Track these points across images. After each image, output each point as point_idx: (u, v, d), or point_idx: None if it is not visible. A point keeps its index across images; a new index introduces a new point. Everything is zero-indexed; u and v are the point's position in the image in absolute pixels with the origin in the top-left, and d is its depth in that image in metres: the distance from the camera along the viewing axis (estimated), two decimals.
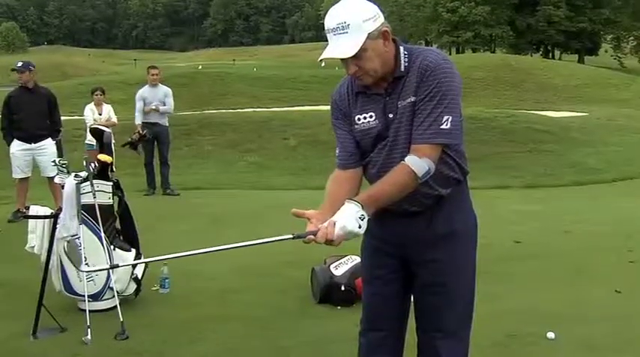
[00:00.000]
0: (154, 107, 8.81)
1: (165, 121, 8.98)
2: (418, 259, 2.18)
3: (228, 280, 4.74)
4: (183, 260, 5.18)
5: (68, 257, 3.84)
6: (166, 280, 4.57)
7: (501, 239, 6.00)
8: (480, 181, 9.10)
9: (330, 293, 4.26)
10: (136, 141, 8.61)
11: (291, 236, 1.83)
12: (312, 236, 1.85)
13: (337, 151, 2.16)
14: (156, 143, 8.97)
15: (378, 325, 2.31)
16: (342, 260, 4.42)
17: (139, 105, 8.89)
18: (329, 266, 4.42)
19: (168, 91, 9.03)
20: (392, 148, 2.05)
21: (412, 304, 2.32)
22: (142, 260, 2.03)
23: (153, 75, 8.91)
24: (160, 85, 9.01)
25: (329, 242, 1.85)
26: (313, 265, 4.49)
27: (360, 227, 1.86)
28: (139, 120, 8.91)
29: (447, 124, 1.97)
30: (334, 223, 1.86)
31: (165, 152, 9.07)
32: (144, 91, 8.94)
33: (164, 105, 8.87)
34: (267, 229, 6.99)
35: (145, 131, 8.69)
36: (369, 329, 2.33)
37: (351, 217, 1.86)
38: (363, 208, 1.88)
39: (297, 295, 4.51)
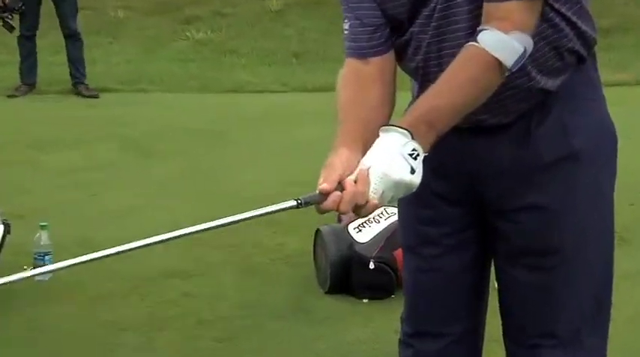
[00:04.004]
0: None
1: None
2: (506, 205, 2.20)
3: (164, 255, 4.72)
4: (82, 220, 5.33)
5: None
6: (47, 257, 4.60)
7: None
8: (627, 69, 8.99)
9: (349, 275, 4.31)
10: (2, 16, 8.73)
11: (294, 203, 1.88)
12: (329, 202, 1.88)
13: (346, 27, 2.20)
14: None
15: (432, 326, 2.36)
16: (369, 216, 4.42)
17: None
18: (346, 227, 4.44)
19: None
20: (447, 15, 2.07)
21: (495, 289, 2.35)
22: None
23: None
24: None
25: (359, 209, 1.91)
26: (318, 224, 4.50)
27: (413, 172, 1.90)
28: None
29: None
30: (367, 172, 1.90)
31: (70, 16, 9.17)
32: None
33: None
34: (229, 163, 7.00)
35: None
36: (418, 334, 2.39)
37: (395, 157, 1.90)
38: (412, 137, 1.90)
39: (288, 280, 4.54)
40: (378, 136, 1.94)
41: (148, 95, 9.31)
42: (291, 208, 1.88)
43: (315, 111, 7.56)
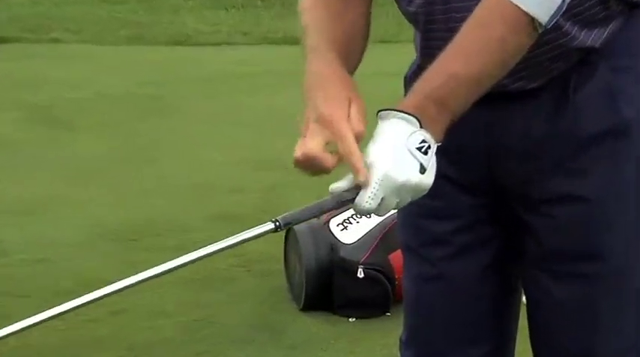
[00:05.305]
0: None
1: None
2: (533, 195, 2.23)
3: (89, 261, 4.78)
4: None
5: None
6: None
7: None
8: None
9: (331, 287, 4.34)
10: None
11: (272, 226, 1.91)
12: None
13: None
14: None
15: (442, 349, 2.38)
16: None
17: None
18: (327, 223, 4.48)
19: None
20: None
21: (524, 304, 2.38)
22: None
23: None
24: None
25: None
26: None
27: (422, 170, 1.92)
28: None
29: None
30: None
31: None
32: None
33: None
34: (173, 139, 6.99)
35: None
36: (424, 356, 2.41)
37: (399, 153, 1.91)
38: (420, 123, 1.91)
39: (252, 294, 4.57)
40: (378, 124, 1.94)
41: (63, 47, 9.33)
42: (270, 231, 1.90)
43: (287, 70, 7.42)
